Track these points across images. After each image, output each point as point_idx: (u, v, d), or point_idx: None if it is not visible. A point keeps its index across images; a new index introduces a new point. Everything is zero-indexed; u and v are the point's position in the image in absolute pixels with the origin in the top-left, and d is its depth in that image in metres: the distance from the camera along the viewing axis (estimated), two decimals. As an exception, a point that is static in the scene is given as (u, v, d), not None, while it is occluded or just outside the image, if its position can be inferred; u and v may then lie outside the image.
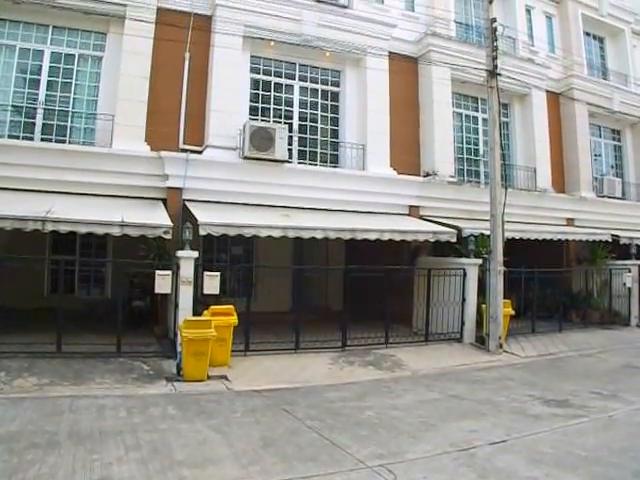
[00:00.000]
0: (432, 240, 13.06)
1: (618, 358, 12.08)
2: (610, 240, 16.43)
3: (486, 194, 12.96)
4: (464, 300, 12.92)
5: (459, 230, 13.22)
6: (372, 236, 12.10)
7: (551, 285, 15.12)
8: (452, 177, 15.10)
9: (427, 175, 14.86)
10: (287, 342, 11.30)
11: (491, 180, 12.63)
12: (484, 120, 16.12)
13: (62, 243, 13.71)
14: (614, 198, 18.32)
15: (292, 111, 14.22)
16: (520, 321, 14.00)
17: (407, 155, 14.88)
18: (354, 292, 12.26)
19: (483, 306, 12.70)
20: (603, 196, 18.13)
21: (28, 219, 9.74)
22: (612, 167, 20.06)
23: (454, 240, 13.06)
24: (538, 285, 14.43)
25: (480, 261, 13.02)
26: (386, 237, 12.18)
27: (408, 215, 14.41)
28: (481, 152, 16.46)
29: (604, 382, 9.80)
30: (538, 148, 17.04)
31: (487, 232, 12.73)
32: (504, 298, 12.45)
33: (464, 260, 13.06)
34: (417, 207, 14.55)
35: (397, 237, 12.35)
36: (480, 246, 13.26)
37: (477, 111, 16.73)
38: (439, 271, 12.93)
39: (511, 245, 13.35)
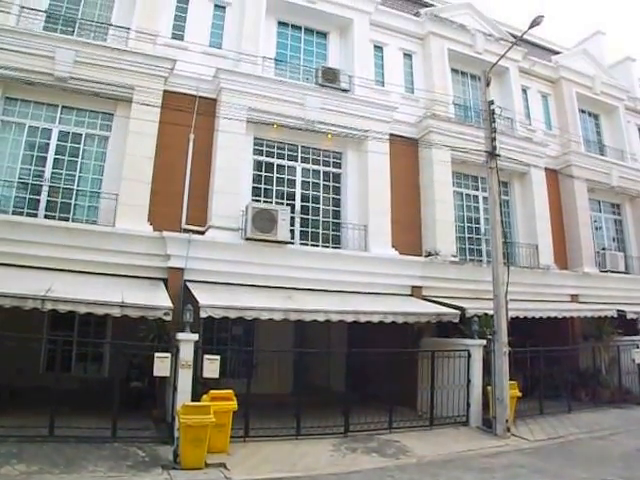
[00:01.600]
0: (435, 321, 13.30)
1: (632, 440, 11.88)
2: (616, 316, 16.58)
3: (488, 273, 13.25)
4: (469, 382, 12.94)
5: (462, 310, 13.46)
6: (375, 318, 12.31)
7: (558, 363, 15.08)
8: (454, 256, 15.53)
9: (429, 255, 15.31)
10: (288, 427, 11.27)
11: (493, 260, 12.91)
12: (484, 199, 16.71)
13: (61, 319, 13.76)
14: (617, 272, 18.68)
15: (294, 192, 14.81)
16: (527, 401, 13.86)
17: (409, 235, 15.40)
18: (357, 374, 12.36)
19: (489, 387, 12.70)
20: (606, 271, 18.49)
21: (28, 297, 9.95)
22: (614, 241, 20.57)
23: (457, 321, 13.30)
24: (544, 363, 14.42)
25: (484, 342, 13.11)
26: (389, 320, 12.39)
27: (411, 295, 14.70)
28: (482, 230, 16.97)
29: (618, 468, 9.66)
30: (539, 225, 17.58)
31: (491, 312, 12.89)
32: (510, 379, 12.44)
33: (468, 341, 13.21)
34: (420, 287, 14.87)
35: (400, 319, 12.57)
36: (484, 326, 13.40)
37: (477, 190, 17.36)
38: (443, 353, 13.05)
39: (516, 323, 13.52)
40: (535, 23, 12.56)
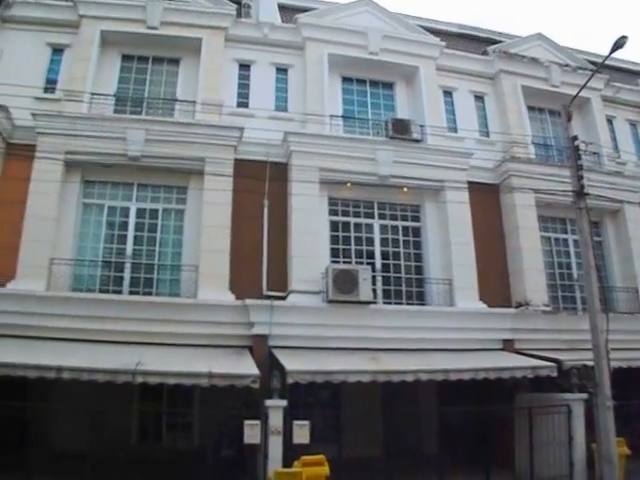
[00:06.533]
0: (531, 376, 13.76)
1: None
2: None
3: (585, 321, 13.42)
4: (571, 439, 13.21)
5: (559, 363, 13.91)
6: (466, 376, 13.01)
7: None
8: (546, 306, 16.01)
9: (519, 306, 15.88)
10: None
11: (590, 307, 13.05)
12: (575, 242, 17.19)
13: (149, 391, 15.19)
14: None
15: (373, 250, 16.06)
16: (638, 460, 13.56)
17: (496, 286, 16.12)
18: (449, 434, 13.16)
19: (593, 445, 12.78)
20: None
21: (119, 372, 11.67)
22: None
23: (555, 374, 13.75)
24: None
25: (585, 396, 13.24)
26: (481, 376, 13.06)
27: (502, 349, 15.26)
28: (575, 276, 17.45)
29: None
30: (638, 265, 17.82)
31: (590, 363, 13.02)
32: (617, 435, 12.33)
33: (568, 396, 13.61)
34: (511, 340, 15.39)
35: (492, 375, 13.18)
36: (584, 379, 13.40)
37: (566, 233, 17.95)
38: (541, 409, 13.53)
39: (619, 374, 13.54)
40: (618, 46, 12.73)
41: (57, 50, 16.74)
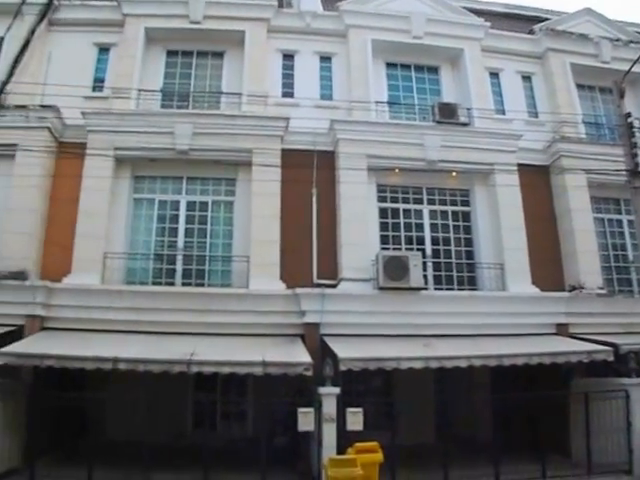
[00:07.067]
0: (586, 361, 13.58)
1: None
2: None
3: None
4: (629, 425, 12.98)
5: (616, 347, 13.68)
6: (520, 361, 12.94)
7: None
8: (601, 289, 15.79)
9: (573, 289, 15.69)
10: (435, 478, 12.07)
11: None
12: (630, 222, 16.87)
13: (204, 380, 15.43)
14: None
15: (423, 236, 16.10)
16: None
17: (549, 269, 15.93)
18: (502, 420, 13.21)
19: None
20: None
21: (174, 362, 12.09)
22: None
23: (611, 359, 13.56)
24: None
25: None
26: (535, 361, 12.98)
27: (556, 334, 15.12)
28: (630, 258, 17.17)
29: None
30: None
31: None
32: None
33: (625, 380, 13.39)
34: (565, 325, 15.22)
35: (547, 360, 13.09)
36: None
37: (620, 213, 17.58)
38: (597, 394, 13.40)
39: None
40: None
41: (103, 49, 17.21)
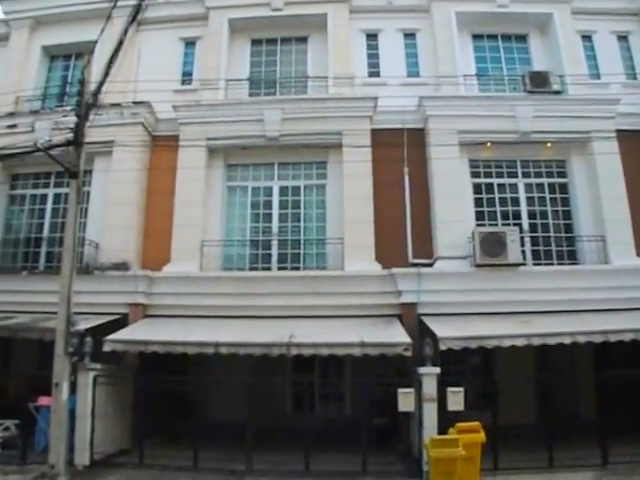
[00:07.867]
0: None
1: None
2: None
3: None
4: None
5: None
6: (627, 337, 12.52)
7: None
8: None
9: None
10: (539, 459, 11.74)
11: None
12: None
13: (301, 362, 15.72)
14: None
15: (519, 210, 15.78)
16: None
17: (655, 240, 15.21)
18: (608, 399, 12.86)
19: None
20: None
21: (274, 345, 12.52)
22: None
23: None
24: None
25: None
26: None
27: None
28: None
29: None
30: None
31: None
32: None
33: None
34: None
35: None
36: None
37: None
38: None
39: None
40: None
41: (189, 43, 17.84)
